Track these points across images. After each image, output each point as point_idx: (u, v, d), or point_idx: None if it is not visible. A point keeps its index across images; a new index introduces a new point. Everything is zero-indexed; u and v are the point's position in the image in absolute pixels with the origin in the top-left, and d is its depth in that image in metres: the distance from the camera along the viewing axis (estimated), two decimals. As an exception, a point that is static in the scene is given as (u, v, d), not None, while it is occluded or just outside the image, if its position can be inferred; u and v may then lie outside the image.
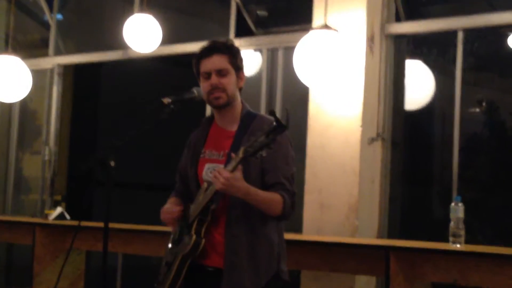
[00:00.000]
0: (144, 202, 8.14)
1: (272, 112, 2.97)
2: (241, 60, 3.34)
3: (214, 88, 3.25)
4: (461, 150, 5.30)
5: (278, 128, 2.94)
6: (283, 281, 3.29)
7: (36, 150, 8.03)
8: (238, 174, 3.04)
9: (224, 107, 3.29)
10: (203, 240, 3.20)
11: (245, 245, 3.19)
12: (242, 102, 3.36)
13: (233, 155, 3.07)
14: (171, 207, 3.35)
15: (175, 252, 3.27)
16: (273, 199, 3.16)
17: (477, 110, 6.42)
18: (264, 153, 2.97)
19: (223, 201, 3.20)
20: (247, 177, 3.09)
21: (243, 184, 3.07)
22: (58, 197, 7.00)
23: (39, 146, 7.95)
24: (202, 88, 3.30)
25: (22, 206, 8.14)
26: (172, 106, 3.27)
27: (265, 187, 3.18)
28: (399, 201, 5.69)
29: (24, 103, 8.03)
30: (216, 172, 3.05)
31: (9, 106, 8.07)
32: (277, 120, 2.94)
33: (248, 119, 3.30)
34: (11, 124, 8.15)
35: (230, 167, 3.05)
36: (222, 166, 3.21)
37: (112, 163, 3.13)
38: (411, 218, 6.04)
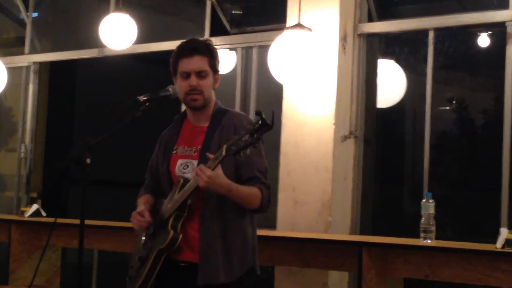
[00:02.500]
0: (117, 199, 8.15)
1: (258, 112, 2.99)
2: (218, 62, 3.37)
3: (192, 89, 3.27)
4: (431, 147, 5.38)
5: (263, 127, 2.98)
6: (257, 276, 3.34)
7: (12, 148, 8.01)
8: (220, 171, 3.09)
9: (199, 109, 3.33)
10: (180, 236, 3.22)
11: (219, 238, 3.22)
12: (215, 100, 3.39)
13: (209, 155, 3.09)
14: (141, 213, 3.34)
15: (149, 247, 3.29)
16: (252, 193, 3.21)
17: (448, 108, 6.52)
18: (248, 151, 3.01)
19: (198, 196, 3.22)
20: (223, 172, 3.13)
21: (225, 181, 3.11)
22: (34, 194, 7.00)
23: (14, 144, 7.94)
24: (180, 87, 3.31)
25: (-3, 203, 8.14)
26: (147, 103, 3.28)
27: (240, 181, 3.22)
28: (371, 198, 5.76)
29: (-1, 100, 8.03)
30: (198, 170, 3.08)
31: (-15, 104, 8.06)
32: (262, 119, 2.97)
33: (219, 114, 3.34)
34: (-13, 122, 8.14)
35: (211, 164, 3.08)
36: (195, 162, 3.25)
37: (88, 161, 3.16)
38: (383, 214, 6.13)
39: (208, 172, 3.06)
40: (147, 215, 3.33)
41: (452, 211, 6.12)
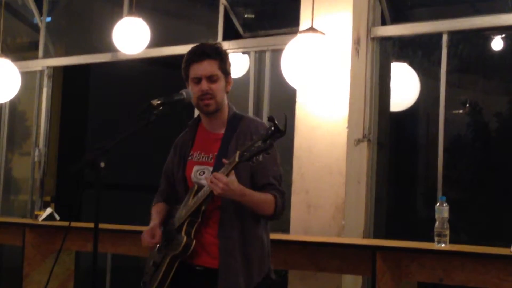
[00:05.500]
0: (132, 203, 8.18)
1: (271, 118, 2.99)
2: (229, 64, 3.37)
3: (204, 94, 3.27)
4: (445, 151, 5.36)
5: (276, 133, 2.98)
6: (272, 280, 3.34)
7: (26, 151, 8.05)
8: (233, 177, 3.09)
9: (213, 113, 3.33)
10: (194, 241, 3.22)
11: (238, 246, 3.23)
12: (228, 105, 3.39)
13: (225, 161, 3.10)
14: (149, 236, 3.33)
15: (164, 252, 3.30)
16: (266, 199, 3.21)
17: (461, 111, 6.50)
18: (260, 157, 3.01)
19: (213, 202, 3.23)
20: (237, 179, 3.13)
21: (239, 187, 3.11)
22: (48, 198, 7.02)
23: (28, 147, 7.98)
24: (192, 93, 3.31)
25: (11, 207, 8.16)
26: (161, 107, 3.29)
27: (255, 188, 3.22)
28: (385, 202, 5.75)
29: (13, 104, 8.06)
30: (213, 178, 3.08)
31: (-1, 107, 8.11)
32: (275, 125, 2.97)
33: (235, 121, 3.33)
34: (1, 126, 8.17)
35: (225, 171, 3.09)
36: (211, 168, 3.26)
37: (102, 165, 3.16)
38: (397, 218, 6.11)
39: (224, 179, 3.06)
40: (157, 235, 3.33)
41: (466, 215, 6.09)
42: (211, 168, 3.26)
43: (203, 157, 3.34)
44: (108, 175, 3.18)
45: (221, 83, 3.31)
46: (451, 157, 5.71)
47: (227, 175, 3.07)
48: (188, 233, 3.23)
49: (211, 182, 3.09)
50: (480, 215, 6.31)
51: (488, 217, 6.17)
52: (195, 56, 3.30)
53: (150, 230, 3.35)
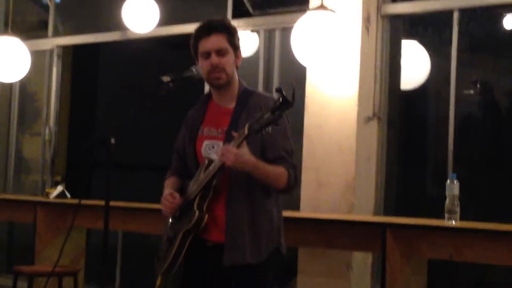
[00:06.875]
0: (142, 182, 8.22)
1: (279, 89, 3.00)
2: (238, 39, 3.37)
3: (214, 68, 3.27)
4: (455, 129, 5.35)
5: (284, 104, 2.99)
6: (281, 255, 3.35)
7: (36, 132, 8.08)
8: (245, 149, 3.09)
9: (223, 86, 3.33)
10: (206, 216, 3.23)
11: (246, 219, 3.23)
12: (239, 80, 3.39)
13: (234, 134, 3.11)
14: (171, 195, 3.34)
15: (176, 227, 3.31)
16: (278, 172, 3.20)
17: (472, 91, 6.47)
18: (270, 129, 3.01)
19: (224, 176, 3.23)
20: None
21: (251, 159, 3.11)
22: (58, 178, 7.06)
23: (38, 128, 8.00)
24: (202, 68, 3.31)
25: (22, 187, 8.21)
26: (171, 84, 3.30)
27: (267, 162, 3.21)
28: (395, 179, 5.75)
29: (23, 85, 8.07)
30: (224, 149, 3.09)
31: (9, 88, 8.11)
32: (283, 97, 2.98)
33: (246, 96, 3.34)
34: (11, 107, 8.20)
35: (235, 144, 3.09)
36: (220, 143, 3.26)
37: (112, 141, 3.17)
38: (407, 196, 6.11)
39: (234, 150, 3.07)
40: (177, 197, 3.34)
41: (476, 194, 6.09)
42: (221, 143, 3.26)
43: (213, 132, 3.34)
44: (118, 154, 3.19)
45: (231, 57, 3.31)
46: (461, 136, 5.69)
47: (238, 147, 3.08)
48: (200, 208, 3.24)
49: (222, 154, 3.09)
50: (490, 193, 6.30)
51: (498, 196, 6.17)
52: (203, 31, 3.31)
53: (169, 194, 3.35)
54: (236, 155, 3.06)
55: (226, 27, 3.33)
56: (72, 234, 6.09)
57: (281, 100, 2.98)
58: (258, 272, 3.26)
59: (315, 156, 5.50)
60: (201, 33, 3.31)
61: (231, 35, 3.32)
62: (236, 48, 3.35)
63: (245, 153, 3.09)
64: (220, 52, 3.28)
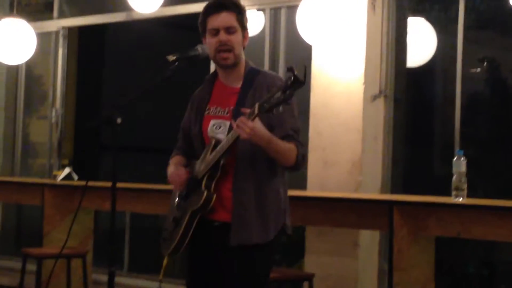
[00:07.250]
0: (147, 164, 8.23)
1: (290, 68, 2.97)
2: (246, 19, 3.35)
3: (222, 45, 3.25)
4: (462, 107, 5.33)
5: (295, 83, 2.96)
6: (287, 235, 3.34)
7: (43, 115, 8.08)
8: (260, 123, 3.06)
9: (230, 67, 3.32)
10: (214, 195, 3.21)
11: (253, 199, 3.21)
12: (245, 60, 3.37)
13: (244, 110, 3.07)
14: (178, 170, 3.35)
15: (183, 208, 3.29)
16: (290, 148, 3.18)
17: (479, 68, 6.44)
18: (281, 108, 2.99)
19: (231, 156, 3.21)
20: None
21: (266, 132, 3.09)
22: (65, 161, 7.06)
23: (45, 111, 7.99)
24: (209, 45, 3.29)
25: (30, 170, 8.22)
26: (176, 63, 3.28)
27: None
28: (402, 158, 5.74)
29: (29, 67, 8.07)
30: (240, 122, 3.05)
31: (15, 71, 8.11)
32: (295, 76, 2.95)
33: (252, 75, 3.32)
34: (18, 90, 8.20)
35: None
36: (227, 122, 3.24)
37: (119, 121, 3.16)
38: (413, 175, 6.10)
39: (250, 123, 3.03)
40: (184, 171, 3.33)
41: (484, 172, 6.07)
42: (227, 122, 3.25)
43: (219, 111, 3.33)
44: (123, 137, 3.18)
45: (239, 36, 3.29)
46: (468, 114, 5.67)
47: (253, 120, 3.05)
48: (208, 187, 3.22)
49: (237, 126, 3.06)
50: (497, 171, 6.29)
51: (505, 174, 6.16)
52: (213, 8, 3.29)
53: (176, 169, 3.35)
54: (252, 128, 3.03)
55: (236, 5, 3.31)
56: (80, 216, 6.12)
57: (292, 79, 2.96)
58: (264, 251, 3.25)
59: (321, 135, 5.50)
60: (210, 10, 3.30)
61: (241, 14, 3.31)
62: (244, 28, 3.33)
63: (261, 127, 3.07)
64: (229, 30, 3.27)
